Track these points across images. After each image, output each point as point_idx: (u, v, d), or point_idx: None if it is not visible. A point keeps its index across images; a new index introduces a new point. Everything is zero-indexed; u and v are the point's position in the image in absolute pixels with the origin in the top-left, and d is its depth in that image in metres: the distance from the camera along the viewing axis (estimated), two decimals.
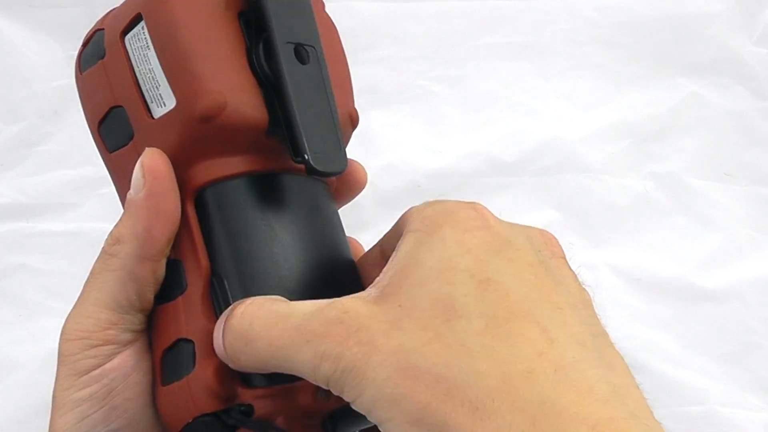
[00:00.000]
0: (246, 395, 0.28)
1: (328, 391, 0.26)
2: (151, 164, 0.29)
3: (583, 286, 0.28)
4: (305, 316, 0.25)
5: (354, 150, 0.71)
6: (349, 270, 0.33)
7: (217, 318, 0.29)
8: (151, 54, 0.30)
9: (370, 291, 0.25)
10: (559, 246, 0.28)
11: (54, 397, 0.31)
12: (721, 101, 0.76)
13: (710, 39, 0.77)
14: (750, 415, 0.65)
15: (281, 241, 0.31)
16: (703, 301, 0.69)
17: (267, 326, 0.26)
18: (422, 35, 0.75)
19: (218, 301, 0.29)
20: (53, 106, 0.71)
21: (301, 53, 0.31)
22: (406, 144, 0.72)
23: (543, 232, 0.28)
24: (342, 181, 0.36)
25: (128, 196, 0.30)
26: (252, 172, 0.31)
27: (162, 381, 0.30)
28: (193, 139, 0.30)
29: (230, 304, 0.28)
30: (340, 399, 0.26)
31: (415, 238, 0.26)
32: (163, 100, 0.30)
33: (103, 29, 0.33)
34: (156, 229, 0.30)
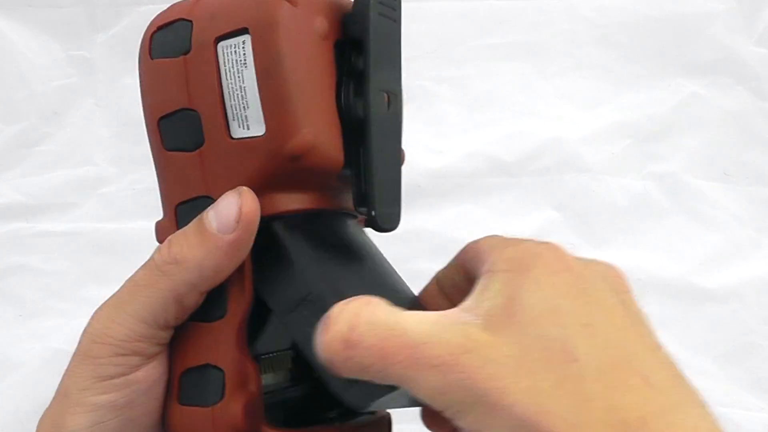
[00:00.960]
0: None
1: None
2: (249, 212, 0.29)
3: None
4: (423, 335, 0.25)
5: None
6: (417, 304, 0.34)
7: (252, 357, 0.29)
8: (248, 73, 0.29)
9: (465, 316, 0.25)
10: (626, 281, 0.29)
11: (67, 392, 0.30)
12: (721, 101, 0.76)
13: (710, 39, 0.77)
14: (750, 415, 0.65)
15: (353, 269, 0.31)
16: (703, 301, 0.69)
17: (375, 336, 0.25)
18: (422, 35, 0.75)
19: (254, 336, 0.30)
20: (53, 106, 0.71)
21: (389, 99, 0.31)
22: (406, 144, 0.72)
23: (611, 268, 0.29)
24: None
25: (209, 226, 0.29)
26: (317, 209, 0.31)
27: (179, 399, 0.30)
28: (275, 173, 0.29)
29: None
30: None
31: (506, 278, 0.26)
32: (247, 123, 0.29)
33: (190, 21, 0.31)
34: (223, 269, 0.29)
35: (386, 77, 0.31)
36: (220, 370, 0.29)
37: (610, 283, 0.28)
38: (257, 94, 0.29)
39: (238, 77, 0.29)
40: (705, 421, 0.25)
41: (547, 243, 0.28)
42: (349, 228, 0.32)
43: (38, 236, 0.68)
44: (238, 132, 0.29)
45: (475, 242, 0.30)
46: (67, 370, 0.31)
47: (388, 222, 0.30)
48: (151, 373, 0.30)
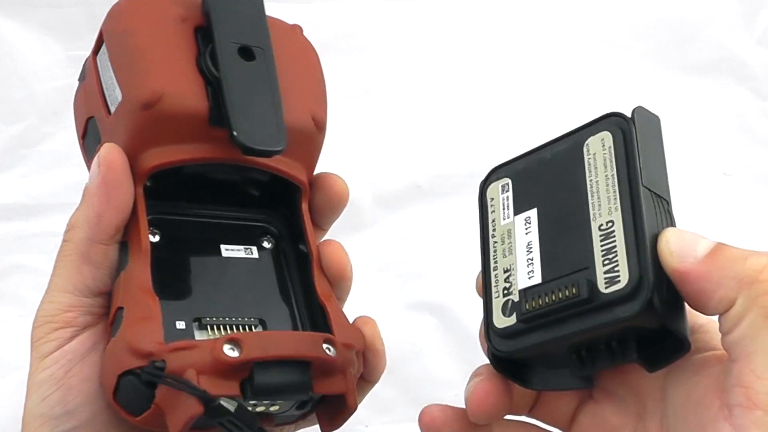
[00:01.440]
0: (161, 351, 0.29)
1: (240, 345, 0.28)
2: (106, 156, 0.32)
3: None
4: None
5: (354, 150, 0.71)
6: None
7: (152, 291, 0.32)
8: (109, 63, 0.33)
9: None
10: None
11: (27, 382, 0.33)
12: (721, 101, 0.76)
13: (710, 39, 0.77)
14: None
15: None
16: None
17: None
18: (422, 35, 0.75)
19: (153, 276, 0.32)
20: (53, 107, 0.71)
21: (247, 52, 0.33)
22: (406, 144, 0.72)
23: None
24: (320, 194, 0.37)
25: (85, 186, 0.32)
26: (200, 160, 0.33)
27: (105, 347, 0.32)
28: (138, 127, 0.32)
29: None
30: (251, 352, 0.28)
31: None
32: (117, 99, 0.33)
33: (88, 58, 0.36)
34: (106, 214, 0.32)
35: (241, 33, 0.34)
36: (122, 308, 0.31)
37: None
38: (113, 72, 0.33)
39: (107, 70, 0.34)
40: None
41: None
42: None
43: (38, 236, 0.68)
44: (113, 109, 0.33)
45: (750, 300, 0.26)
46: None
47: (253, 140, 0.32)
48: (84, 342, 0.32)
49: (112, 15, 0.34)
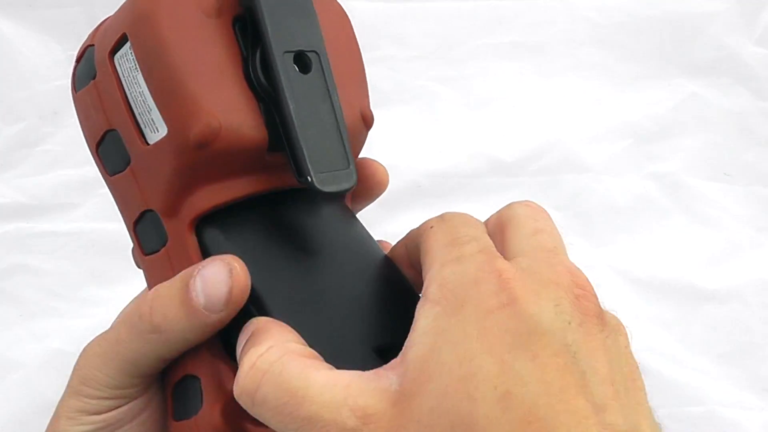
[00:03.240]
0: None
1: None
2: (240, 293, 0.27)
3: (626, 352, 0.26)
4: (323, 407, 0.23)
5: None
6: (391, 280, 0.31)
7: (226, 352, 0.28)
8: (140, 76, 0.28)
9: (384, 379, 0.23)
10: (592, 295, 0.25)
11: (59, 418, 0.30)
12: (721, 101, 0.76)
13: (710, 39, 0.77)
14: (750, 415, 0.65)
15: (301, 263, 0.29)
16: (703, 302, 0.69)
17: (277, 400, 0.24)
18: (422, 35, 0.75)
19: (227, 339, 0.28)
20: (53, 106, 0.71)
21: (303, 61, 0.29)
22: (406, 144, 0.72)
23: (574, 284, 0.25)
24: (361, 182, 0.34)
25: (195, 300, 0.27)
26: (257, 192, 0.29)
27: (174, 416, 0.30)
28: (190, 167, 0.28)
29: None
30: None
31: (435, 316, 0.23)
32: (155, 126, 0.28)
33: (93, 45, 0.31)
34: (207, 338, 0.28)
35: (293, 37, 0.28)
36: (197, 378, 0.28)
37: (565, 311, 0.23)
38: (150, 94, 0.28)
39: (135, 84, 0.28)
40: None
41: (490, 261, 0.24)
42: (303, 205, 0.31)
43: (38, 236, 0.68)
44: (151, 137, 0.29)
45: (420, 235, 0.27)
46: (62, 397, 0.31)
47: (328, 184, 0.28)
48: (137, 407, 0.30)
49: (140, 14, 0.28)
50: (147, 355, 0.29)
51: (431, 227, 0.27)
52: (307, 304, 0.28)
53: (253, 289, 0.27)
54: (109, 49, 0.29)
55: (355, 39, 0.34)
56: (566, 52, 0.76)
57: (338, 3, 0.33)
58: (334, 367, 0.24)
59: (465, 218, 0.27)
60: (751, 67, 0.77)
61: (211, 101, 0.27)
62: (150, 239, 0.30)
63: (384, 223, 0.71)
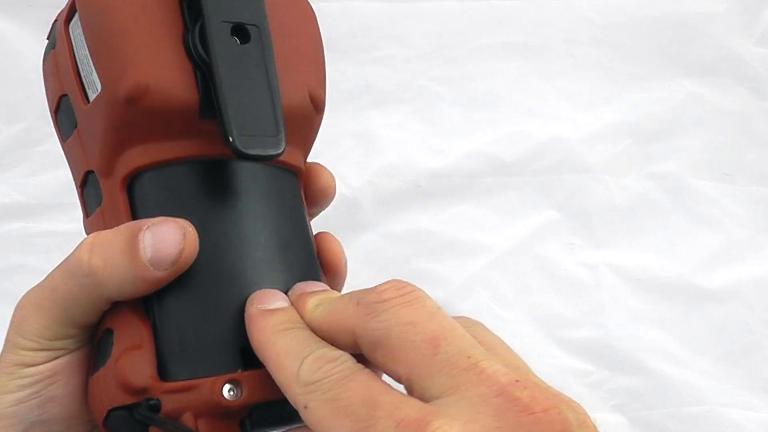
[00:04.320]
0: (155, 389, 0.27)
1: (240, 387, 0.26)
2: (188, 257, 0.27)
3: None
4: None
5: (354, 150, 0.71)
6: (305, 262, 0.32)
7: (143, 309, 0.29)
8: (84, 39, 0.30)
9: None
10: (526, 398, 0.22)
11: None
12: (721, 101, 0.76)
13: (710, 39, 0.77)
14: (750, 415, 0.65)
15: (221, 228, 0.29)
16: (703, 301, 0.69)
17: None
18: (422, 35, 0.75)
19: (146, 299, 0.29)
20: None
21: (242, 32, 0.29)
22: (406, 144, 0.72)
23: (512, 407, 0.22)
24: (306, 186, 0.34)
25: (141, 253, 0.27)
26: (189, 157, 0.30)
27: (91, 371, 0.30)
28: (121, 123, 0.29)
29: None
30: (253, 395, 0.26)
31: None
32: (96, 86, 0.29)
33: (57, 20, 0.32)
34: (142, 294, 0.28)
35: (234, 10, 0.29)
36: (112, 331, 0.29)
37: None
38: (89, 55, 0.29)
39: (82, 47, 0.30)
40: None
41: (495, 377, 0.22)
42: (238, 176, 0.30)
43: (38, 236, 0.68)
44: (91, 97, 0.30)
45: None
46: None
47: (251, 146, 0.28)
48: (72, 362, 0.30)
49: None
50: (80, 302, 0.29)
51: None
52: (203, 285, 0.28)
53: None
54: (64, 18, 0.31)
55: (317, 28, 0.34)
56: (566, 52, 0.76)
57: None
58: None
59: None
60: (751, 67, 0.77)
61: (143, 61, 0.28)
62: (91, 201, 0.31)
63: (384, 223, 0.71)
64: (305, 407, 0.23)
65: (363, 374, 0.23)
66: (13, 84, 0.71)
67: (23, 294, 0.31)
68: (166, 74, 0.28)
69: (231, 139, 0.28)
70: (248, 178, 0.31)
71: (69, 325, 0.29)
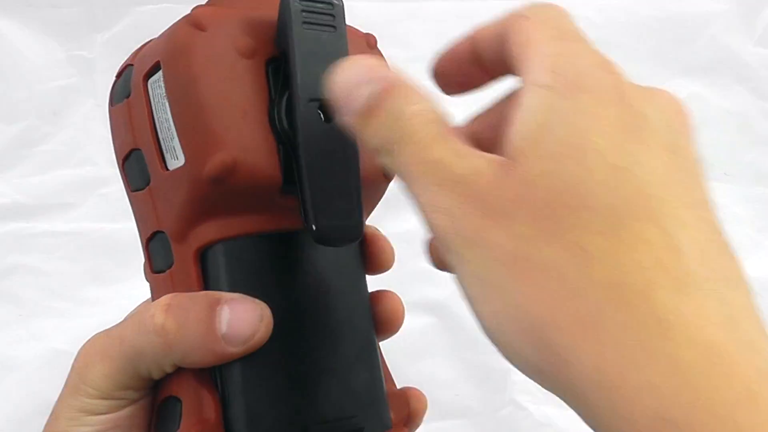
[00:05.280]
0: None
1: None
2: (261, 339, 0.28)
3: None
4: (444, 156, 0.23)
5: None
6: (360, 346, 0.32)
7: (211, 381, 0.29)
8: (167, 104, 0.29)
9: (494, 155, 0.23)
10: (688, 119, 0.26)
11: (58, 417, 0.30)
12: (721, 101, 0.76)
13: (710, 39, 0.77)
14: None
15: (292, 304, 0.30)
16: None
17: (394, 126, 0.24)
18: (422, 35, 0.75)
19: (213, 370, 0.29)
20: (53, 106, 0.71)
21: (327, 110, 0.28)
22: None
23: (673, 103, 0.26)
24: (366, 257, 0.34)
25: (218, 326, 0.27)
26: (265, 231, 0.30)
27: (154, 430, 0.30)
28: (202, 198, 0.28)
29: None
30: None
31: (547, 98, 0.22)
32: (176, 153, 0.29)
33: (132, 65, 0.32)
34: (208, 365, 0.28)
35: (320, 83, 0.28)
36: (179, 400, 0.29)
37: (668, 121, 0.24)
38: (173, 123, 0.29)
39: (163, 110, 0.29)
40: (725, 307, 0.20)
41: (603, 62, 0.24)
42: (308, 249, 0.31)
43: (38, 236, 0.68)
44: (171, 164, 0.29)
45: (520, 23, 0.26)
46: (60, 396, 0.31)
47: (331, 235, 0.28)
48: (136, 413, 0.30)
49: (175, 46, 0.29)
50: (145, 358, 0.28)
51: (527, 18, 0.26)
52: (274, 362, 0.29)
53: None
54: (144, 73, 0.30)
55: None
56: None
57: (379, 53, 0.34)
58: None
59: (561, 12, 0.26)
60: (751, 67, 0.77)
61: (229, 139, 0.28)
62: (159, 258, 0.31)
63: (384, 222, 0.71)
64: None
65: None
66: (13, 84, 0.71)
67: (88, 340, 0.31)
68: (252, 152, 0.28)
69: (313, 228, 0.28)
70: (320, 251, 0.31)
71: (132, 377, 0.29)
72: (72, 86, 0.71)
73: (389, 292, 0.34)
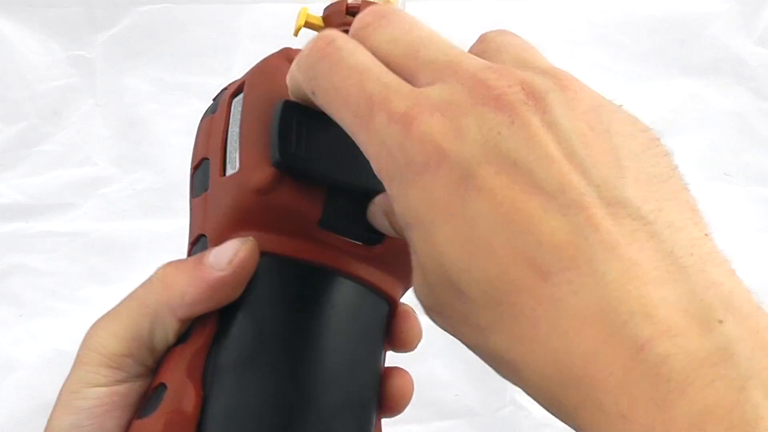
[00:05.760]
0: None
1: None
2: (244, 258, 0.29)
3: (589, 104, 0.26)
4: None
5: None
6: (360, 405, 0.32)
7: (202, 379, 0.29)
8: (240, 119, 0.31)
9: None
10: (498, 78, 0.23)
11: (61, 393, 0.31)
12: (721, 101, 0.76)
13: (710, 39, 0.77)
14: None
15: (300, 332, 0.30)
16: None
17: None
18: None
19: (207, 366, 0.29)
20: (53, 106, 0.71)
21: None
22: None
23: (469, 79, 0.23)
24: (394, 329, 0.35)
25: (205, 260, 0.30)
26: (295, 257, 0.30)
27: (137, 414, 0.31)
28: (244, 207, 0.30)
29: (214, 369, 0.29)
30: None
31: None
32: (235, 163, 0.30)
33: (227, 88, 0.34)
34: (203, 301, 0.30)
35: None
36: (166, 386, 0.30)
37: (486, 132, 0.22)
38: (238, 134, 0.30)
39: (235, 124, 0.31)
40: (662, 253, 0.20)
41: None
42: (333, 290, 0.31)
43: (38, 236, 0.68)
44: (228, 171, 0.31)
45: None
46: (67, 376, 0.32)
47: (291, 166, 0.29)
48: (133, 391, 0.31)
49: (262, 70, 0.32)
50: (150, 309, 0.30)
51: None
52: (262, 380, 0.29)
53: (234, 345, 0.29)
54: (231, 92, 0.32)
55: None
56: (566, 52, 0.76)
57: None
58: None
59: None
60: (751, 67, 0.77)
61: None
62: None
63: None
64: (312, 93, 0.25)
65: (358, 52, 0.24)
66: (13, 84, 0.71)
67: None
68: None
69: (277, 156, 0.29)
70: (345, 298, 0.31)
71: (138, 340, 0.30)
72: (72, 86, 0.71)
73: (402, 370, 0.35)
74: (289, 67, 0.29)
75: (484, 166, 0.21)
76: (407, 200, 0.22)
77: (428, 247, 0.22)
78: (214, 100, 0.35)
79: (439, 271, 0.22)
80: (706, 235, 0.23)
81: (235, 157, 0.30)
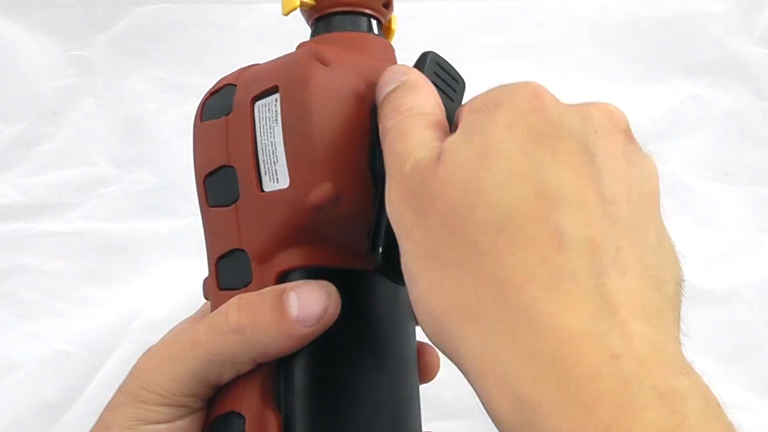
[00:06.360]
0: None
1: None
2: (333, 315, 0.29)
3: (651, 177, 0.27)
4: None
5: None
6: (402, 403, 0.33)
7: (274, 402, 0.29)
8: (278, 129, 0.30)
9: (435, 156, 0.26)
10: (622, 119, 0.27)
11: (109, 428, 0.30)
12: (721, 101, 0.76)
13: (710, 39, 0.77)
14: (750, 415, 0.65)
15: (352, 341, 0.31)
16: (704, 302, 0.69)
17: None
18: (422, 35, 0.75)
19: (278, 389, 0.29)
20: (53, 106, 0.71)
21: None
22: None
23: (603, 108, 0.27)
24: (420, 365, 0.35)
25: (289, 310, 0.29)
26: (345, 266, 0.31)
27: None
28: (299, 224, 0.30)
29: (290, 397, 0.29)
30: None
31: (472, 117, 0.25)
32: (277, 177, 0.30)
33: (235, 85, 0.33)
34: (286, 353, 0.29)
35: None
36: (242, 417, 0.29)
37: (593, 123, 0.25)
38: (284, 148, 0.30)
39: (270, 133, 0.30)
40: (599, 297, 0.21)
41: (530, 84, 0.26)
42: (378, 292, 0.32)
43: (38, 236, 0.68)
44: (268, 186, 0.30)
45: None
46: (110, 404, 0.31)
47: (391, 263, 0.29)
48: (194, 424, 0.30)
49: (299, 77, 0.30)
50: (221, 358, 0.29)
51: None
52: (333, 397, 0.30)
53: (305, 365, 0.29)
54: (253, 95, 0.31)
55: None
56: (566, 52, 0.76)
57: None
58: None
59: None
60: (751, 67, 0.77)
61: (338, 173, 0.29)
62: (230, 276, 0.32)
63: None
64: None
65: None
66: (13, 84, 0.71)
67: (147, 349, 0.31)
68: (353, 190, 0.29)
69: (379, 250, 0.28)
70: (387, 290, 0.32)
71: (201, 382, 0.29)
72: (72, 86, 0.71)
73: (429, 346, 0.36)
74: (321, 68, 0.30)
75: (571, 140, 0.25)
76: None
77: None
78: (211, 94, 0.34)
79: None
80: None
81: (277, 170, 0.30)
